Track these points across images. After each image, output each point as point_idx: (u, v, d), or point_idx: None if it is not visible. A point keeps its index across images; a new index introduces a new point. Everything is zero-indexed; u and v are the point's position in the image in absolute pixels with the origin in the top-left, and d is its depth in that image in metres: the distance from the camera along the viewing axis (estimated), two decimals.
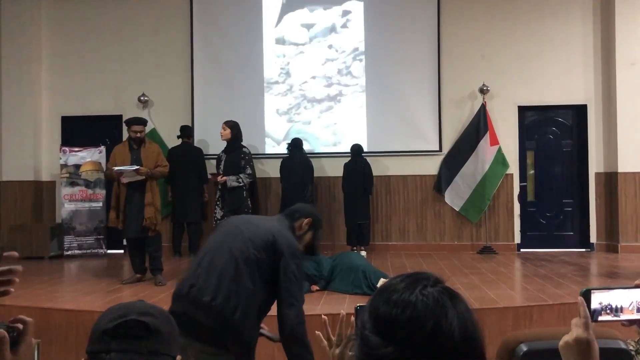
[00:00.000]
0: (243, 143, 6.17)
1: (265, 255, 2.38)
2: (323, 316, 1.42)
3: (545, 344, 1.78)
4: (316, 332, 1.48)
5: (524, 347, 1.80)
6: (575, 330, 1.16)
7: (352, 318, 1.32)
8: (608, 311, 1.25)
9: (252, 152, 6.67)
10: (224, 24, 8.52)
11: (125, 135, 7.87)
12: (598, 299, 1.25)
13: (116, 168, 5.59)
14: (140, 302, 1.28)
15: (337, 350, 1.38)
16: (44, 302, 4.93)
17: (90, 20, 8.66)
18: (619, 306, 1.26)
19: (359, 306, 1.30)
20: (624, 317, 1.26)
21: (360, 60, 8.39)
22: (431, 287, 0.93)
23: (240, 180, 5.82)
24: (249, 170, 5.87)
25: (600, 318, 1.25)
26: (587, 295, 1.24)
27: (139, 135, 5.83)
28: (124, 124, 6.05)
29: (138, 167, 5.62)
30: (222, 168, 6.01)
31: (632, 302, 1.26)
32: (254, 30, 8.50)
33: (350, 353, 1.36)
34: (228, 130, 5.99)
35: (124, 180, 5.63)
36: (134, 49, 8.59)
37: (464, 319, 0.90)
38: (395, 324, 0.90)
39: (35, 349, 3.83)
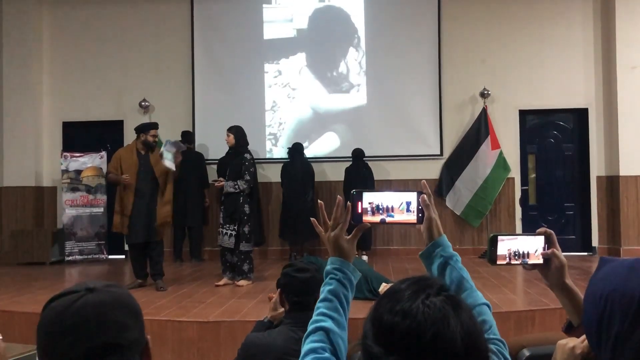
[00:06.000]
0: (248, 148, 6.15)
1: None
2: (319, 201, 1.41)
3: (548, 349, 1.78)
4: (311, 218, 1.45)
5: (526, 352, 1.80)
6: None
7: (349, 202, 1.34)
8: (516, 257, 1.36)
9: (254, 157, 6.64)
10: (224, 30, 8.53)
11: (126, 140, 7.92)
12: (506, 245, 1.37)
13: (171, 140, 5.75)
14: (97, 305, 1.02)
15: (333, 234, 1.36)
16: None
17: (92, 26, 8.69)
18: (525, 252, 1.37)
19: (355, 191, 1.34)
20: (530, 262, 1.37)
21: (361, 64, 8.39)
22: (434, 297, 0.92)
23: (237, 186, 5.81)
24: (247, 177, 5.85)
25: (504, 262, 1.37)
26: (494, 240, 1.36)
27: (156, 140, 5.95)
28: (134, 129, 6.03)
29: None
30: (227, 173, 6.01)
31: (537, 249, 1.38)
32: (254, 36, 8.51)
33: (346, 237, 1.36)
34: (231, 137, 5.98)
35: (167, 163, 5.65)
36: (135, 54, 8.60)
37: (467, 328, 0.89)
38: (395, 333, 0.90)
39: (36, 356, 3.83)
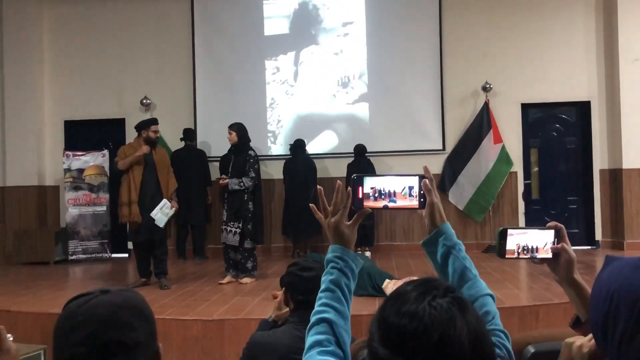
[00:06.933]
0: (250, 144, 6.15)
1: None
2: (318, 186, 1.39)
3: (553, 346, 1.77)
4: (310, 204, 1.42)
5: (531, 349, 1.79)
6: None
7: (349, 188, 1.31)
8: (525, 251, 1.36)
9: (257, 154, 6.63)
10: (225, 27, 8.52)
11: (128, 139, 7.92)
12: (515, 240, 1.35)
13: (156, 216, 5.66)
14: (106, 304, 1.06)
15: (333, 220, 1.33)
16: (49, 307, 4.92)
17: (92, 25, 8.68)
18: (534, 247, 1.36)
19: (356, 176, 1.32)
20: (539, 256, 1.36)
21: (362, 59, 8.37)
22: (440, 298, 0.91)
23: (242, 184, 5.81)
24: (252, 174, 5.85)
25: (513, 256, 1.37)
26: (503, 234, 1.35)
27: (158, 135, 5.92)
28: (134, 128, 6.02)
29: (168, 205, 5.75)
30: (229, 170, 6.00)
31: (546, 242, 1.36)
32: (255, 32, 8.49)
33: (346, 223, 1.33)
34: (234, 134, 5.97)
35: (158, 221, 5.67)
36: (136, 52, 8.60)
37: (474, 329, 0.89)
38: (402, 335, 0.89)
39: (42, 355, 3.83)
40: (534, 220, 8.11)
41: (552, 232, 1.36)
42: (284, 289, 2.45)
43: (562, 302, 4.45)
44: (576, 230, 8.05)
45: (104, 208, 8.21)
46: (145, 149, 5.73)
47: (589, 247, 7.91)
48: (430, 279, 0.98)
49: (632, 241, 7.62)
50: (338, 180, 1.35)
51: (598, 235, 7.98)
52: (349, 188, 1.31)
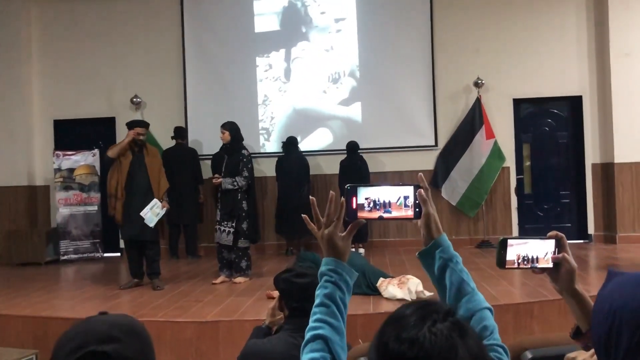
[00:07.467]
0: (243, 143, 6.10)
1: None
2: (311, 197, 1.36)
3: (550, 351, 1.76)
4: (302, 215, 1.38)
5: (528, 355, 1.78)
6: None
7: (342, 198, 1.28)
8: (525, 262, 1.34)
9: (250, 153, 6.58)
10: (215, 23, 8.45)
11: (119, 138, 7.86)
12: (515, 250, 1.33)
13: (146, 216, 5.60)
14: (101, 321, 1.15)
15: (327, 231, 1.29)
16: (41, 310, 4.88)
17: (81, 23, 8.58)
18: (535, 257, 1.34)
19: (349, 186, 1.30)
20: (540, 266, 1.34)
21: (354, 56, 8.33)
22: (440, 323, 0.90)
23: (235, 183, 5.78)
24: (245, 173, 5.82)
25: (513, 266, 1.34)
26: (503, 244, 1.33)
27: (142, 137, 5.84)
28: (125, 126, 5.97)
29: (159, 205, 5.71)
30: (223, 169, 5.95)
31: (547, 252, 1.34)
32: (245, 29, 8.43)
33: (340, 234, 1.30)
34: (227, 133, 5.93)
35: (147, 220, 5.62)
36: (126, 50, 8.52)
37: (475, 356, 0.88)
38: None
39: (34, 359, 3.79)
40: (527, 216, 8.14)
41: (552, 242, 1.34)
42: (278, 295, 2.42)
43: (557, 299, 4.45)
44: (569, 225, 8.08)
45: (95, 208, 8.15)
46: (132, 133, 5.71)
47: (581, 241, 7.94)
48: (429, 302, 0.96)
49: (625, 234, 7.66)
50: (331, 192, 1.32)
51: (591, 229, 8.01)
52: (342, 198, 1.28)
